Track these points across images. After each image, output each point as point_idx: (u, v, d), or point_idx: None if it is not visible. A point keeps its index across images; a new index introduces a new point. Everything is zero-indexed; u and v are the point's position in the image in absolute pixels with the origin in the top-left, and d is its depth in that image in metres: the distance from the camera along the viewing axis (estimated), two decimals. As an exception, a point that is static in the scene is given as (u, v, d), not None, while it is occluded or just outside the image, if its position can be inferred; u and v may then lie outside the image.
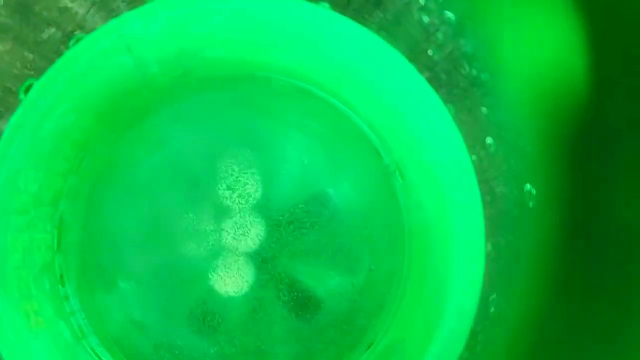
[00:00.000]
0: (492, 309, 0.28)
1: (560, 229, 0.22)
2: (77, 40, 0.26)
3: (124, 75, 0.29)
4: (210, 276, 0.33)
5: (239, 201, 0.33)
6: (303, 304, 0.33)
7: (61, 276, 0.32)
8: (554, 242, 0.24)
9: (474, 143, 0.28)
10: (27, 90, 0.26)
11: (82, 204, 0.32)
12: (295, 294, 0.33)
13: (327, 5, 0.28)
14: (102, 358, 0.32)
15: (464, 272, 0.29)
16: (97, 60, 0.27)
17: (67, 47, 0.28)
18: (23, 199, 0.28)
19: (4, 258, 0.28)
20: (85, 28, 0.28)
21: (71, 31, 0.28)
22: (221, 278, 0.33)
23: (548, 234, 0.24)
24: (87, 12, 0.28)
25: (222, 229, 0.33)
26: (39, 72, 0.28)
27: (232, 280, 0.33)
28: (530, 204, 0.26)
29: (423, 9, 0.27)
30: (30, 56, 0.28)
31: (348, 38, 0.29)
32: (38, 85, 0.26)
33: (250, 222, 0.33)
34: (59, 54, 0.28)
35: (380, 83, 0.30)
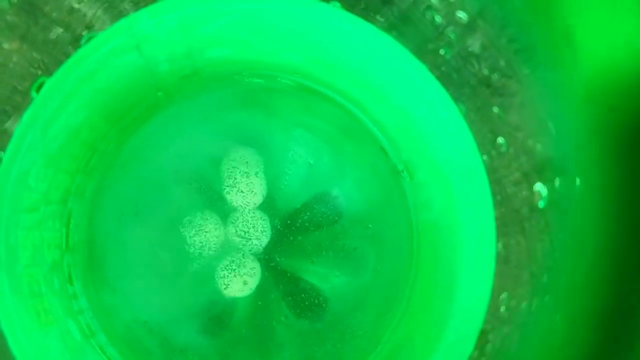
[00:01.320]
0: (502, 309, 0.28)
1: (588, 229, 0.22)
2: (89, 39, 0.26)
3: (133, 74, 0.29)
4: (215, 276, 0.33)
5: (244, 200, 0.33)
6: (308, 303, 0.33)
7: (69, 275, 0.32)
8: (569, 242, 0.24)
9: (485, 142, 0.28)
10: (38, 88, 0.26)
11: (89, 202, 0.33)
12: (301, 293, 0.33)
13: (338, 4, 0.28)
14: (111, 356, 0.32)
15: (473, 272, 0.29)
16: (107, 58, 0.27)
17: (78, 46, 0.28)
18: (33, 197, 0.28)
19: (15, 256, 0.28)
20: (93, 29, 0.28)
21: (79, 32, 0.28)
22: (226, 277, 0.33)
23: (565, 234, 0.24)
24: (95, 13, 0.28)
25: (228, 229, 0.33)
26: (46, 72, 0.28)
27: (237, 280, 0.33)
28: (541, 203, 0.26)
29: (434, 7, 0.27)
30: (38, 56, 0.28)
31: (357, 36, 0.29)
32: (50, 83, 0.26)
33: (255, 222, 0.33)
34: (67, 54, 0.28)
35: (389, 82, 0.30)
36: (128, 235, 0.33)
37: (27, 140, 0.27)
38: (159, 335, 0.33)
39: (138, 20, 0.27)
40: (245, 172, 0.33)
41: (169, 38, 0.29)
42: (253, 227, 0.33)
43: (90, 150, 0.32)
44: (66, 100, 0.28)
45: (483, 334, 0.28)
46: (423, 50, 0.28)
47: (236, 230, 0.33)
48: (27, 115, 0.26)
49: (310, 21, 0.29)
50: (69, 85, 0.27)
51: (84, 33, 0.28)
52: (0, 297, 0.28)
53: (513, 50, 0.25)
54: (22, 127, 0.27)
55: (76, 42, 0.28)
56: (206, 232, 0.33)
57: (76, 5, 0.28)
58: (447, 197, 0.30)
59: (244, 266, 0.33)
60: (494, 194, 0.28)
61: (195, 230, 0.33)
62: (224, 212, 0.33)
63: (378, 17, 0.29)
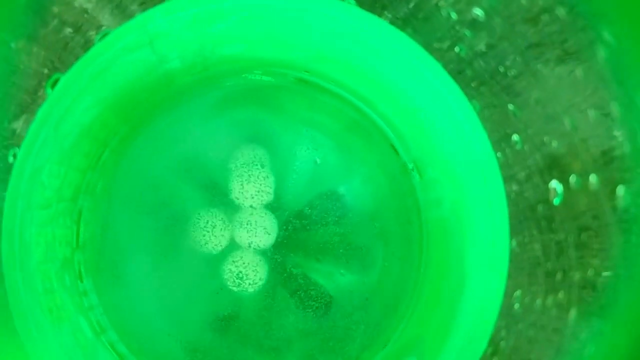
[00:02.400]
0: (516, 306, 0.28)
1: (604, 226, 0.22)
2: (104, 35, 0.26)
3: (145, 71, 0.30)
4: (223, 273, 0.33)
5: (252, 198, 0.33)
6: (315, 301, 0.33)
7: (80, 272, 0.32)
8: (584, 239, 0.24)
9: (499, 140, 0.28)
10: (53, 84, 0.26)
11: (99, 199, 0.33)
12: (307, 291, 0.33)
13: (352, 1, 0.28)
14: (121, 353, 0.32)
15: (485, 270, 0.29)
16: (121, 55, 0.27)
17: (88, 47, 0.28)
18: (46, 194, 0.28)
19: (28, 252, 0.28)
20: (101, 29, 0.28)
21: (89, 33, 0.28)
22: (234, 275, 0.33)
23: (580, 231, 0.24)
24: (104, 14, 0.28)
25: (235, 226, 0.33)
26: (55, 72, 0.28)
27: (244, 278, 0.33)
28: (556, 200, 0.26)
29: (449, 4, 0.27)
30: (47, 56, 0.28)
31: (369, 33, 0.29)
32: (65, 80, 0.26)
33: (262, 219, 0.33)
34: (76, 54, 0.28)
35: (402, 79, 0.30)
36: (137, 232, 0.33)
37: (40, 137, 0.27)
38: (167, 333, 0.33)
39: (152, 17, 0.27)
40: (253, 170, 0.33)
41: (181, 35, 0.29)
42: (260, 224, 0.33)
43: (101, 147, 0.32)
44: (79, 96, 0.28)
45: (497, 330, 0.28)
46: (437, 47, 0.28)
47: (243, 228, 0.33)
48: (42, 111, 0.26)
49: (323, 18, 0.29)
50: (83, 81, 0.27)
51: (93, 34, 0.28)
52: (14, 292, 0.28)
53: (527, 46, 0.25)
54: (36, 124, 0.27)
55: (86, 42, 0.28)
56: (214, 229, 0.33)
57: (86, 6, 0.28)
58: (459, 195, 0.30)
59: (250, 264, 0.33)
60: (508, 192, 0.28)
61: (203, 228, 0.33)
62: (231, 209, 0.33)
63: (389, 13, 0.29)
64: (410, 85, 0.29)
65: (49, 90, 0.26)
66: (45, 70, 0.28)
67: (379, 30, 0.29)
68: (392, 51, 0.29)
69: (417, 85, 0.29)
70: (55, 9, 0.28)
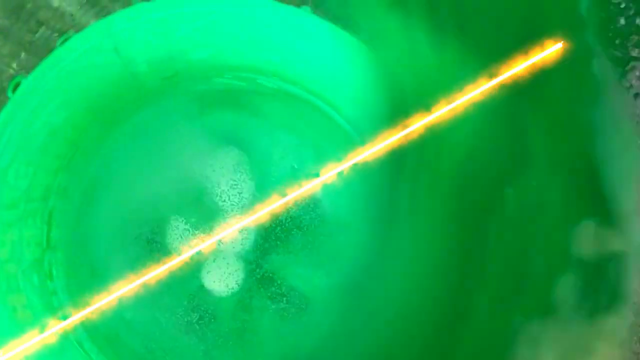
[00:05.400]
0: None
1: None
2: (65, 39, 0.27)
3: (112, 74, 0.30)
4: (199, 276, 0.33)
5: (228, 201, 0.33)
6: (291, 303, 0.33)
7: (50, 272, 0.32)
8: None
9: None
10: (15, 88, 0.26)
11: (71, 201, 0.33)
12: (283, 294, 0.33)
13: (308, 8, 0.29)
14: (90, 352, 0.32)
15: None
16: (85, 59, 0.28)
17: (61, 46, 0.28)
18: (13, 194, 0.28)
19: (-8, 251, 0.28)
20: (76, 27, 0.28)
21: (63, 30, 0.28)
22: (210, 277, 0.33)
23: None
24: (78, 11, 0.28)
25: (212, 229, 0.33)
26: (30, 70, 0.28)
27: (220, 280, 0.33)
28: None
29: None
30: (23, 55, 0.28)
31: (330, 41, 0.29)
32: (27, 82, 0.26)
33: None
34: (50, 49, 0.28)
35: (363, 85, 0.30)
36: (111, 234, 0.33)
37: (5, 138, 0.27)
38: (141, 333, 0.33)
39: (116, 22, 0.27)
40: (229, 174, 0.33)
41: (146, 40, 0.29)
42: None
43: (72, 149, 0.32)
44: (46, 98, 0.28)
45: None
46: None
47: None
48: (4, 113, 0.26)
49: (285, 25, 0.29)
50: (48, 84, 0.27)
51: (68, 31, 0.28)
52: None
53: None
54: None
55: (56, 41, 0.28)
56: (189, 232, 0.33)
57: (59, 4, 0.28)
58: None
59: (227, 267, 0.33)
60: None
61: (178, 230, 0.33)
62: (207, 213, 0.33)
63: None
64: (371, 92, 0.30)
65: (10, 93, 0.26)
66: (24, 71, 0.28)
67: (337, 38, 0.29)
68: (350, 58, 0.29)
69: (377, 91, 0.30)
70: (29, 6, 0.27)
